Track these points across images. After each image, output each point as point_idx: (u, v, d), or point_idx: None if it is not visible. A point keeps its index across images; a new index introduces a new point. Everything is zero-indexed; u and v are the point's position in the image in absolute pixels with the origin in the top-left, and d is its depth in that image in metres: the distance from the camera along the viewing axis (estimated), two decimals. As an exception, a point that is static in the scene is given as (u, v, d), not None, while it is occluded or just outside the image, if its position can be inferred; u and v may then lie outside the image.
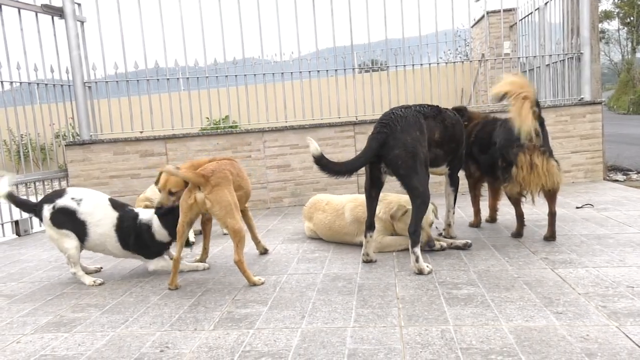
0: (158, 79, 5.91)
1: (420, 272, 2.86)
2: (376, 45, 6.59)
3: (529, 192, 3.29)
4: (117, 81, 5.89)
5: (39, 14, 5.42)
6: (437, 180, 5.48)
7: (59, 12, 5.61)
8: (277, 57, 6.31)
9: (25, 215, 5.23)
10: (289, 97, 6.11)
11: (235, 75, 6.05)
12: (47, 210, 3.10)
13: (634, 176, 6.50)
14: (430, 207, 3.37)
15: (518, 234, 3.55)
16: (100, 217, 3.12)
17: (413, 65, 6.16)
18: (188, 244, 3.17)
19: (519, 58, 7.32)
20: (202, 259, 3.42)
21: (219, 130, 5.94)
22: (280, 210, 5.53)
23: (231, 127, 6.66)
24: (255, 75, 6.01)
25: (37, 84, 5.53)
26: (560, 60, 6.41)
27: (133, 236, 3.14)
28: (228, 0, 5.64)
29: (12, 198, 3.23)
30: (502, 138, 3.35)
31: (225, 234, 4.34)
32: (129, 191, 5.69)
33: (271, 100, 6.11)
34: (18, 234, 5.15)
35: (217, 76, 6.11)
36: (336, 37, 6.10)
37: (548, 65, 6.60)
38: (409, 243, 2.93)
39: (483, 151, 3.62)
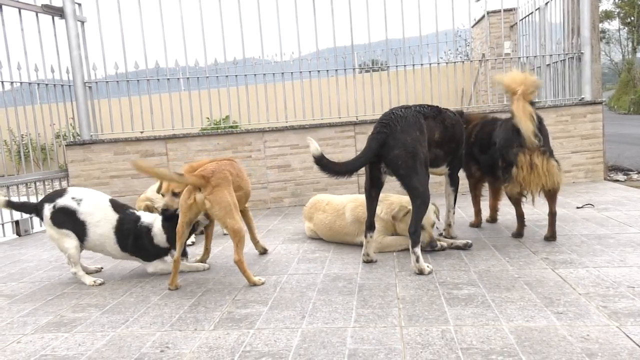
0: (158, 79, 5.91)
1: (420, 272, 2.86)
2: (376, 45, 6.59)
3: (529, 192, 3.29)
4: (117, 81, 5.89)
5: (39, 14, 5.42)
6: (437, 181, 5.48)
7: (59, 12, 5.61)
8: (277, 57, 6.31)
9: (26, 215, 5.24)
10: (289, 97, 6.11)
11: (236, 75, 6.05)
12: (47, 209, 3.11)
13: (635, 176, 6.50)
14: (432, 208, 3.38)
15: (518, 234, 3.55)
16: (99, 218, 3.12)
17: (413, 65, 6.16)
18: (185, 253, 3.19)
19: (519, 58, 7.31)
20: (203, 259, 3.42)
21: (219, 131, 5.94)
22: (280, 211, 5.53)
23: (231, 127, 6.66)
24: (255, 75, 6.01)
25: (38, 84, 5.53)
26: (561, 60, 6.41)
27: (132, 238, 3.14)
28: (228, 0, 5.64)
29: (11, 204, 3.25)
30: (502, 138, 3.35)
31: (225, 234, 4.34)
32: (130, 191, 5.69)
33: (271, 101, 6.11)
34: (18, 234, 5.15)
35: (217, 76, 6.11)
36: (336, 37, 6.11)
37: (548, 65, 6.60)
38: (409, 243, 2.93)
39: (483, 151, 3.62)
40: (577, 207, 4.43)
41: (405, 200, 3.37)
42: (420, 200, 2.89)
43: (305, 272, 3.08)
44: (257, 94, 6.04)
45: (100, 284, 3.13)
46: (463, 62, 8.33)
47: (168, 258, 3.29)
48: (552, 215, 3.38)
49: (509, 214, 4.10)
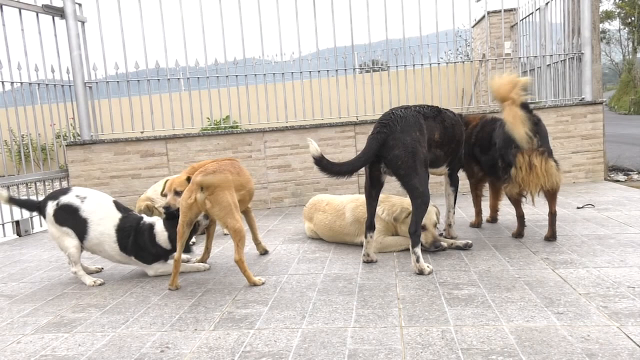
0: (159, 79, 5.91)
1: (420, 273, 2.86)
2: (377, 45, 6.59)
3: (528, 192, 3.29)
4: (117, 81, 5.90)
5: (39, 14, 5.42)
6: (437, 181, 5.48)
7: (59, 13, 5.61)
8: (277, 57, 6.32)
9: (26, 215, 5.24)
10: (289, 97, 6.11)
11: (236, 76, 6.06)
12: (50, 206, 3.12)
13: (635, 176, 6.49)
14: (434, 209, 3.38)
15: (519, 234, 3.55)
16: (102, 216, 3.12)
17: (414, 65, 6.16)
18: (189, 249, 3.18)
19: (519, 58, 7.31)
20: (203, 259, 3.42)
21: (219, 131, 5.94)
22: (280, 211, 5.53)
23: (232, 127, 6.66)
24: (255, 75, 6.01)
25: (38, 84, 5.53)
26: (561, 61, 6.41)
27: (132, 237, 3.13)
28: (229, 0, 5.64)
29: (13, 201, 3.25)
30: (501, 139, 3.35)
31: (225, 234, 4.34)
32: (130, 191, 5.69)
33: (272, 101, 6.11)
34: (19, 234, 5.15)
35: (217, 76, 6.11)
36: (337, 37, 6.11)
37: (549, 65, 6.59)
38: (409, 243, 2.93)
39: (484, 152, 3.62)
40: (578, 207, 4.43)
41: (406, 202, 3.37)
42: (421, 200, 2.89)
43: (306, 272, 3.08)
44: (258, 94, 6.04)
45: (100, 284, 3.13)
46: (463, 62, 8.33)
47: (170, 262, 3.27)
48: (552, 215, 3.38)
49: (509, 214, 4.10)
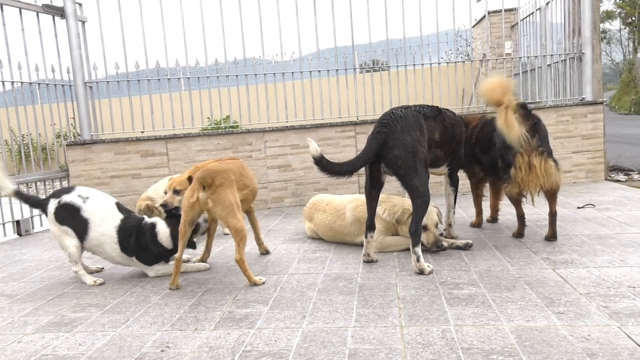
0: (159, 79, 5.91)
1: (421, 272, 2.86)
2: (377, 45, 6.58)
3: (528, 192, 3.28)
4: (118, 81, 5.90)
5: (40, 14, 5.43)
6: (438, 180, 5.48)
7: (60, 12, 5.61)
8: (278, 57, 6.31)
9: (27, 214, 5.24)
10: (289, 97, 6.11)
11: (236, 75, 6.05)
12: (52, 204, 3.12)
13: (636, 176, 6.49)
14: (435, 209, 3.38)
15: (519, 234, 3.55)
16: (103, 217, 3.12)
17: (414, 65, 6.16)
18: (193, 245, 3.18)
19: (520, 58, 7.31)
20: (204, 258, 3.42)
21: (219, 130, 5.94)
22: (281, 210, 5.53)
23: (232, 127, 6.66)
24: (256, 75, 6.01)
25: (38, 83, 5.54)
26: (562, 60, 6.41)
27: (134, 237, 3.13)
28: (229, 0, 5.64)
29: (20, 195, 3.26)
30: (501, 139, 3.34)
31: (226, 234, 4.34)
32: (130, 191, 5.69)
33: (272, 100, 6.11)
34: (19, 233, 5.15)
35: (218, 76, 6.11)
36: (337, 37, 6.11)
37: (549, 65, 6.59)
38: (409, 243, 2.93)
39: (484, 152, 3.62)
40: (578, 207, 4.42)
41: (407, 203, 3.37)
42: (421, 200, 2.89)
43: (306, 272, 3.08)
44: (258, 93, 6.04)
45: (100, 284, 3.13)
46: (464, 62, 8.33)
47: (171, 262, 3.27)
48: (553, 215, 3.38)
49: (510, 214, 4.10)
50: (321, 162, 2.88)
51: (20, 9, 5.20)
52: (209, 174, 2.82)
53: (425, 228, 3.28)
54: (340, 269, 3.09)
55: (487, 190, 4.03)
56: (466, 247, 3.34)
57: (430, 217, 3.29)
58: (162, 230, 3.14)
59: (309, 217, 4.00)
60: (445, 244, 3.36)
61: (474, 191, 4.02)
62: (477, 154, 3.70)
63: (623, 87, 29.78)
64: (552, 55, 6.51)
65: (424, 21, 6.12)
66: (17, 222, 5.14)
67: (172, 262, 3.20)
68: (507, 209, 4.21)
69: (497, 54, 8.29)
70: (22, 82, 5.32)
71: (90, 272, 3.36)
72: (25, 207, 5.22)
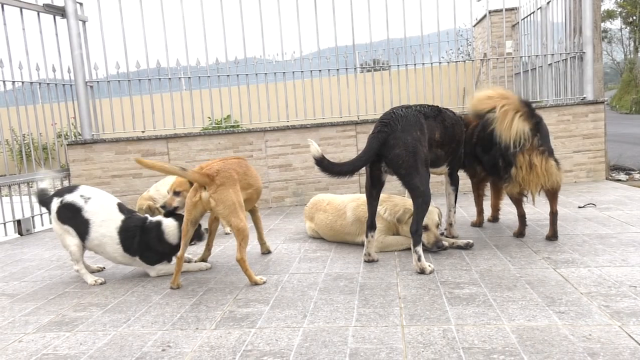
0: (160, 79, 5.91)
1: (422, 272, 2.86)
2: (378, 44, 6.58)
3: (529, 192, 3.28)
4: (118, 81, 5.90)
5: (40, 14, 5.43)
6: (438, 180, 5.48)
7: (60, 12, 5.61)
8: (278, 56, 6.30)
9: (28, 214, 5.24)
10: (290, 96, 6.11)
11: (237, 75, 6.05)
12: (55, 203, 3.13)
13: (637, 176, 6.48)
14: (436, 209, 3.38)
15: (520, 233, 3.55)
16: (104, 218, 3.12)
17: (415, 64, 6.16)
18: (201, 237, 3.22)
19: (521, 57, 7.31)
20: (205, 257, 3.42)
21: (220, 130, 5.94)
22: (281, 210, 5.53)
23: (233, 126, 6.66)
24: (256, 74, 6.01)
25: (39, 83, 5.54)
26: (563, 60, 6.40)
27: (138, 237, 3.13)
28: (230, -1, 5.64)
29: (42, 193, 3.29)
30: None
31: (227, 234, 4.34)
32: (131, 191, 5.69)
33: (273, 100, 6.11)
34: (20, 233, 5.15)
35: (218, 76, 6.11)
36: (338, 37, 6.10)
37: (550, 64, 6.59)
38: (410, 242, 2.92)
39: (485, 151, 3.61)
40: (579, 207, 4.42)
41: (409, 203, 3.37)
42: (422, 199, 2.89)
43: (307, 272, 3.08)
44: (259, 93, 6.04)
45: (101, 284, 3.14)
46: (464, 61, 8.33)
47: (173, 262, 3.28)
48: (554, 214, 3.38)
49: (511, 213, 4.10)
50: (322, 163, 2.88)
51: (21, 8, 5.20)
52: (209, 174, 2.83)
53: (426, 228, 3.27)
54: (341, 269, 3.09)
55: (488, 190, 4.03)
56: (467, 247, 3.34)
57: (431, 217, 3.29)
58: (171, 225, 3.14)
59: (310, 216, 4.00)
60: (446, 243, 3.36)
61: (475, 191, 4.02)
62: (478, 153, 3.70)
63: (624, 87, 29.75)
64: (553, 54, 6.50)
65: (425, 21, 6.12)
66: (18, 221, 5.15)
67: (174, 262, 3.20)
68: (508, 209, 4.21)
69: (498, 53, 8.29)
70: (23, 82, 5.33)
71: (92, 272, 3.36)
72: (26, 206, 5.23)
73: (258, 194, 3.35)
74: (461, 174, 3.75)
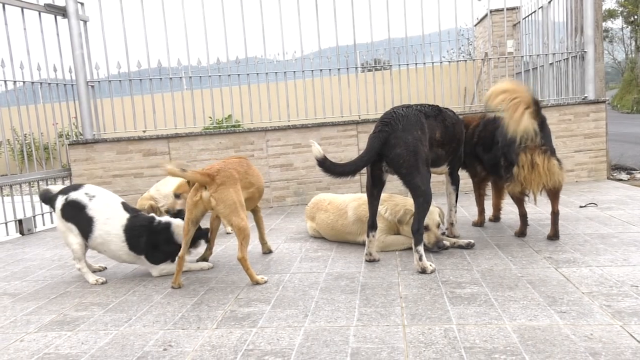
0: (161, 78, 5.92)
1: (423, 271, 2.86)
2: (379, 44, 6.58)
3: (530, 191, 3.28)
4: (120, 80, 5.90)
5: (42, 13, 5.43)
6: (440, 180, 5.48)
7: (62, 12, 5.62)
8: (279, 56, 6.30)
9: (29, 213, 5.25)
10: (291, 96, 6.11)
11: (238, 75, 6.05)
12: (59, 201, 3.15)
13: (638, 175, 6.47)
14: (437, 209, 3.37)
15: (521, 233, 3.54)
16: (108, 216, 3.13)
17: (416, 64, 6.15)
18: (207, 238, 3.26)
19: (522, 57, 7.30)
20: (206, 255, 3.42)
21: (221, 130, 5.94)
22: (283, 210, 5.53)
23: (234, 126, 6.66)
24: (258, 74, 6.01)
25: (40, 83, 5.54)
26: (564, 59, 6.39)
27: (145, 237, 3.13)
28: (231, -1, 5.65)
29: (46, 191, 3.32)
30: (504, 137, 3.34)
31: (228, 233, 4.34)
32: (132, 190, 5.70)
33: (274, 100, 6.11)
34: (22, 232, 5.16)
35: (219, 75, 6.11)
36: (339, 36, 6.10)
37: (551, 64, 6.58)
38: (411, 242, 2.92)
39: (487, 150, 3.62)
40: (580, 206, 4.42)
41: (409, 203, 3.37)
42: (423, 198, 2.89)
43: (308, 271, 3.08)
44: (260, 93, 6.04)
45: (102, 283, 3.14)
46: (466, 61, 8.32)
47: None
48: (555, 214, 3.38)
49: (512, 213, 4.10)
50: (325, 164, 2.88)
51: (22, 8, 5.21)
52: (209, 174, 2.83)
53: (427, 228, 3.27)
54: (342, 268, 3.09)
55: (489, 190, 4.02)
56: (468, 247, 3.34)
57: (432, 217, 3.29)
58: (180, 225, 3.16)
59: (311, 216, 4.00)
60: (447, 243, 3.36)
61: (476, 190, 4.02)
62: (479, 153, 3.70)
63: (625, 86, 29.72)
64: (554, 54, 6.50)
65: (426, 20, 6.11)
66: (20, 221, 5.15)
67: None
68: (509, 208, 4.20)
69: (499, 52, 8.28)
70: (24, 82, 5.33)
71: (93, 271, 3.36)
72: (28, 206, 5.24)
73: (260, 193, 3.35)
74: (462, 173, 3.74)
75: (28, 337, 2.35)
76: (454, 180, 3.59)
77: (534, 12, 7.00)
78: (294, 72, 6.05)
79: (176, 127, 6.01)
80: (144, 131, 5.99)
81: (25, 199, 5.69)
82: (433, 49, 6.35)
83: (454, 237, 3.59)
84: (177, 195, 3.19)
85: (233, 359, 1.96)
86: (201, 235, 3.24)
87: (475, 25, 10.59)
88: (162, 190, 4.27)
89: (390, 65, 6.48)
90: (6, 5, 5.04)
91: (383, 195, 3.32)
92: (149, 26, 5.68)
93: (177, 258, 2.98)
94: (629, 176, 6.41)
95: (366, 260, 3.19)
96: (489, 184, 3.99)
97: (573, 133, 5.88)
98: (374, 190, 3.10)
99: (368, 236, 3.16)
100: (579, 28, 6.18)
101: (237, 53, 6.00)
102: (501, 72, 7.96)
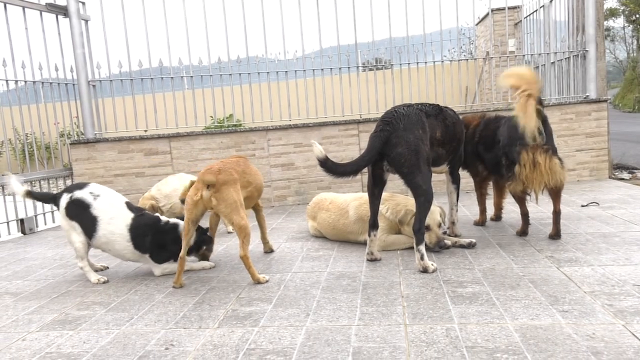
0: (162, 78, 5.92)
1: (424, 270, 2.86)
2: (380, 43, 6.58)
3: (532, 190, 3.27)
4: (121, 80, 5.91)
5: (43, 13, 5.43)
6: (441, 179, 5.47)
7: (63, 11, 5.62)
8: (281, 55, 6.29)
9: (31, 213, 5.26)
10: (292, 95, 6.11)
11: (240, 74, 6.05)
12: (64, 199, 3.16)
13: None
14: (438, 209, 3.37)
15: (523, 232, 3.54)
16: (112, 215, 3.13)
17: (417, 63, 6.14)
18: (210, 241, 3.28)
19: (523, 56, 7.28)
20: (207, 255, 3.42)
21: (223, 129, 5.94)
22: (284, 209, 5.53)
23: (235, 125, 6.67)
24: (259, 73, 6.01)
25: (42, 82, 5.55)
26: (566, 58, 6.38)
27: (151, 236, 3.14)
28: (232, -2, 5.64)
29: (31, 194, 3.32)
30: (506, 136, 3.34)
31: (229, 233, 4.34)
32: (134, 190, 5.70)
33: (275, 99, 6.12)
34: (23, 232, 5.17)
35: (221, 75, 6.11)
36: (340, 36, 6.10)
37: (553, 63, 6.57)
38: (413, 241, 2.92)
39: (488, 149, 3.61)
40: (582, 206, 4.41)
41: (411, 203, 3.36)
42: (424, 197, 2.89)
43: (309, 270, 3.08)
44: (261, 92, 6.04)
45: (104, 282, 3.14)
46: (467, 60, 8.31)
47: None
48: (557, 213, 3.37)
49: (514, 212, 4.09)
50: (326, 164, 2.88)
51: (23, 7, 5.21)
52: (211, 174, 2.84)
53: (428, 228, 3.27)
54: (343, 268, 3.09)
55: (490, 189, 4.02)
56: (470, 246, 3.33)
57: (433, 217, 3.28)
58: None
59: (313, 215, 4.00)
60: (448, 242, 3.36)
61: (477, 189, 4.01)
62: (481, 152, 3.69)
63: (627, 85, 29.68)
64: (555, 53, 6.49)
65: (427, 19, 6.11)
66: (21, 220, 5.16)
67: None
68: (510, 207, 4.20)
69: (500, 52, 8.27)
70: (25, 81, 5.34)
71: (95, 270, 3.37)
72: (29, 205, 5.24)
73: (259, 192, 3.36)
74: (464, 172, 3.73)
75: (30, 337, 2.35)
76: (455, 180, 3.59)
77: (536, 11, 6.99)
78: (295, 71, 6.05)
79: (177, 126, 6.01)
80: (145, 130, 5.99)
81: (26, 199, 5.69)
82: (434, 48, 6.34)
83: (456, 236, 3.58)
84: (183, 201, 3.21)
85: (235, 358, 1.96)
86: (204, 241, 3.25)
87: (477, 24, 10.57)
88: (163, 189, 4.27)
89: (392, 65, 6.48)
90: (7, 5, 5.04)
91: (384, 195, 3.32)
92: (150, 25, 5.68)
93: (178, 258, 2.98)
94: (630, 175, 6.40)
95: (367, 260, 3.19)
96: (491, 183, 3.98)
97: (574, 132, 5.87)
98: (375, 189, 3.10)
99: (369, 235, 3.15)
100: (580, 27, 6.17)
101: (238, 52, 6.02)
102: (502, 72, 7.94)
